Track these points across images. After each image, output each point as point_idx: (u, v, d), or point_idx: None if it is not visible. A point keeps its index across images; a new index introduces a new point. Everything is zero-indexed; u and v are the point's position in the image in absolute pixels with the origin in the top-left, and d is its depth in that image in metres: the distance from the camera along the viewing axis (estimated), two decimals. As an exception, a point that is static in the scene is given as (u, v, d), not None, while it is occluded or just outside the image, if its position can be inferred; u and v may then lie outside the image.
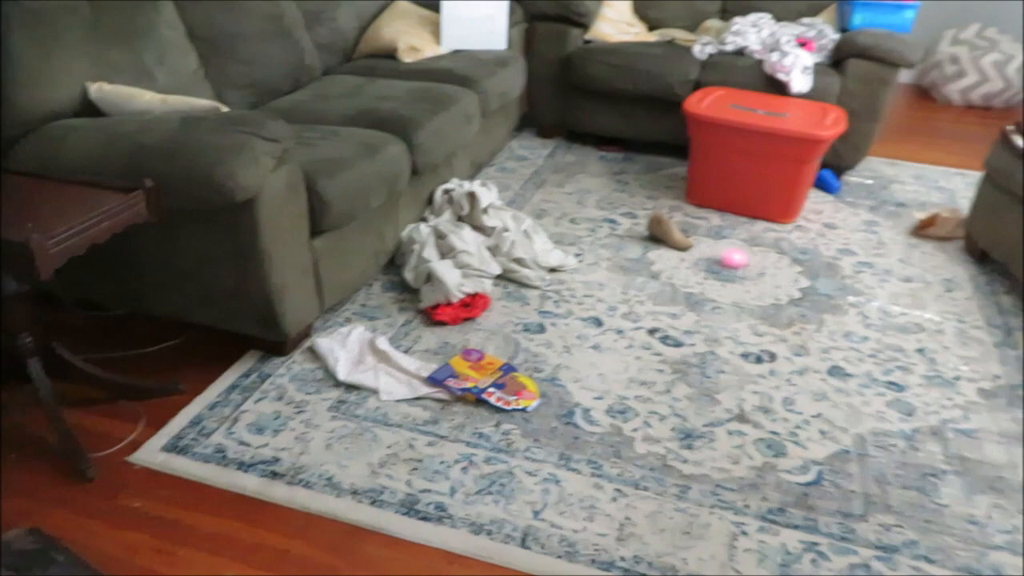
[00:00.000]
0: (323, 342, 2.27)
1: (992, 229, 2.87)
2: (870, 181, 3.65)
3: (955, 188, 3.64)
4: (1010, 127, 2.87)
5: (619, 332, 2.40)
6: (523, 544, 1.66)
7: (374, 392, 2.11)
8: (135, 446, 1.92)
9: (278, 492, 1.78)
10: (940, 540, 1.70)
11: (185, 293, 2.15)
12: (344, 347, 2.26)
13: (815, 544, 1.68)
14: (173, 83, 2.47)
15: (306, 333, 2.32)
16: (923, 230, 3.15)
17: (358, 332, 2.33)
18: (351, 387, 2.13)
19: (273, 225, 2.01)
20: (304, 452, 1.90)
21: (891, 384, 2.22)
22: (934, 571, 1.63)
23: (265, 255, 2.01)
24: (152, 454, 1.89)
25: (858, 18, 3.66)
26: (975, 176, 3.67)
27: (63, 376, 2.00)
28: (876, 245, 3.05)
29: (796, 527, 1.73)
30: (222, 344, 2.28)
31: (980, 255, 2.95)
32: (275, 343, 2.24)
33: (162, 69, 2.46)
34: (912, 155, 4.04)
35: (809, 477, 1.87)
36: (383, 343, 2.27)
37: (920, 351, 2.38)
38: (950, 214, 3.14)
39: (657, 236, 2.99)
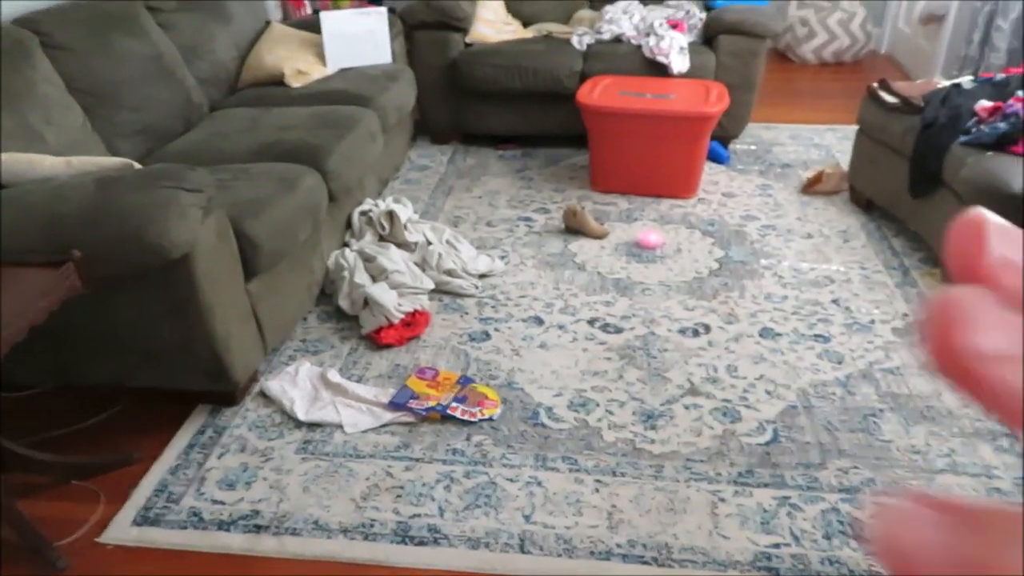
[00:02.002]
0: (273, 384, 2.24)
1: (873, 179, 3.13)
2: (754, 147, 3.88)
3: (829, 144, 3.92)
4: (875, 84, 3.11)
5: (561, 327, 2.48)
6: (522, 549, 1.72)
7: (338, 427, 2.10)
8: (102, 526, 1.84)
9: (267, 545, 1.76)
10: (892, 474, 1.87)
11: (122, 358, 2.07)
12: (296, 386, 2.24)
13: (787, 498, 1.82)
14: (64, 141, 2.36)
15: (254, 378, 2.28)
16: (811, 188, 3.38)
17: (306, 368, 2.31)
18: (313, 425, 2.11)
19: (210, 277, 1.96)
20: (283, 500, 1.87)
21: (817, 337, 2.39)
22: (894, 502, 1.79)
23: (207, 308, 1.96)
24: (123, 530, 1.82)
25: (721, -5, 3.87)
26: (844, 130, 3.97)
27: (2, 467, 1.89)
28: (774, 207, 3.26)
29: (766, 485, 1.86)
30: (165, 404, 2.20)
31: (866, 204, 3.20)
32: (224, 394, 2.19)
33: (50, 129, 2.35)
34: (784, 116, 4.31)
35: (766, 436, 2.01)
36: (335, 375, 2.26)
37: (835, 302, 2.57)
38: (833, 169, 3.38)
39: (573, 228, 3.08)
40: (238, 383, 2.14)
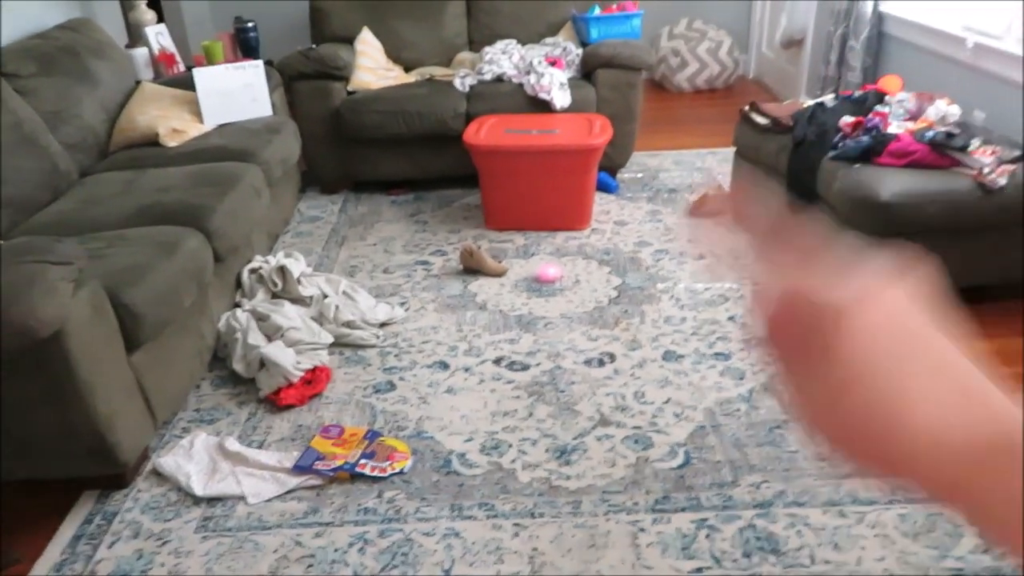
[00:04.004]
0: (166, 461, 2.11)
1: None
2: (641, 175, 3.98)
3: (710, 166, 4.07)
4: (746, 108, 3.25)
5: (467, 370, 2.44)
6: (444, 606, 1.65)
7: (240, 498, 1.99)
8: (-20, 639, 1.67)
9: (169, 637, 1.64)
10: (802, 483, 1.91)
11: (-6, 451, 1.91)
12: (191, 459, 2.11)
13: (704, 520, 1.82)
14: (-87, 221, 2.19)
15: (144, 456, 2.14)
16: (697, 210, 3.48)
17: (201, 440, 2.18)
18: (213, 500, 1.99)
19: (87, 353, 1.83)
20: (184, 585, 1.75)
21: (718, 355, 2.44)
22: (806, 512, 1.83)
23: (85, 387, 1.83)
24: (4, 642, 1.66)
25: (594, 32, 3.97)
26: (723, 152, 4.12)
27: None
28: (664, 232, 3.33)
29: (683, 510, 1.86)
30: (46, 494, 2.04)
31: (750, 222, 3.31)
32: (112, 476, 2.04)
33: (-103, 209, 2.17)
34: (667, 143, 4.45)
35: (679, 460, 2.02)
36: (233, 444, 2.15)
37: (731, 318, 2.64)
38: (716, 191, 3.49)
39: (471, 268, 3.06)
40: (127, 463, 2.01)
